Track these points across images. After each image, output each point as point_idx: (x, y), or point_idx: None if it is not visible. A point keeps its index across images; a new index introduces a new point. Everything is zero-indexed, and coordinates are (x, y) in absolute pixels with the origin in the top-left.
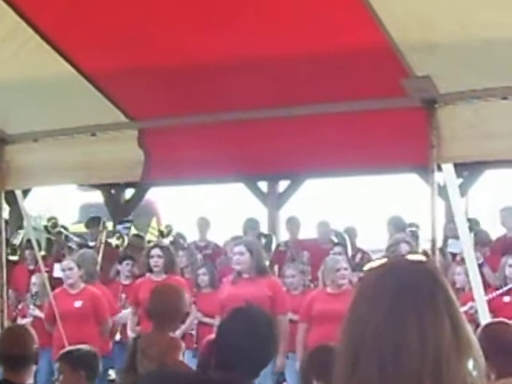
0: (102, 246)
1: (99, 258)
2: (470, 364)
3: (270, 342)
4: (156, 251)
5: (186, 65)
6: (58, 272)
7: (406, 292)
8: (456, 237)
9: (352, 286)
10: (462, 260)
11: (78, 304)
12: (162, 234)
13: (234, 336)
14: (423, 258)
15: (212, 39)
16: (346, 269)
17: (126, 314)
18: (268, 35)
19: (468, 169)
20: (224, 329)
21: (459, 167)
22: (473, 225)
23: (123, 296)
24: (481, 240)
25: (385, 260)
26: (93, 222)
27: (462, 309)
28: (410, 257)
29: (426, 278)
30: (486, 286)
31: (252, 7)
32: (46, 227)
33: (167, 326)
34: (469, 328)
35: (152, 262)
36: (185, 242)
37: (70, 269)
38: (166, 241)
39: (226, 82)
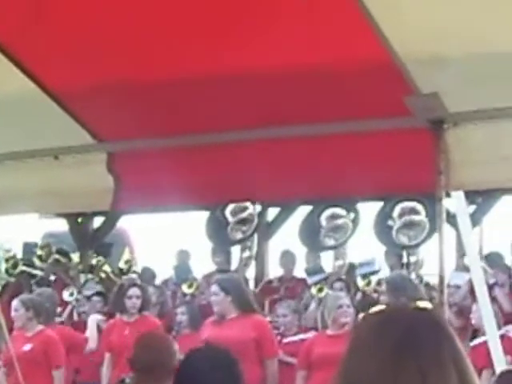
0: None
1: None
2: None
3: None
4: (135, 291)
5: (160, 81)
6: None
7: (408, 343)
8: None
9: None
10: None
11: (26, 347)
12: (121, 272)
13: (191, 380)
14: (428, 305)
15: (191, 51)
16: (348, 306)
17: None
18: (255, 48)
19: (482, 194)
20: (181, 373)
21: (472, 193)
22: (495, 259)
23: None
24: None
25: (385, 306)
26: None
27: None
28: (414, 304)
29: (431, 328)
30: (501, 314)
31: (239, 17)
32: (6, 270)
33: (148, 380)
34: (478, 382)
35: (129, 303)
36: (153, 279)
37: (16, 310)
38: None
39: (206, 100)
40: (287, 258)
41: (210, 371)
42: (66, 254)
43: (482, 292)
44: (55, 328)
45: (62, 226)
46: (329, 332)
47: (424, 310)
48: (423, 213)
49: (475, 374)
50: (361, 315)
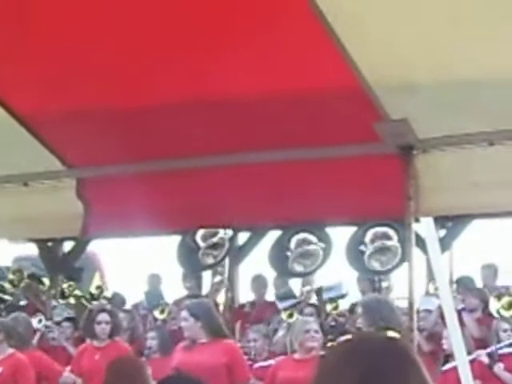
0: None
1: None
2: None
3: None
4: (104, 317)
5: (129, 108)
6: None
7: (375, 374)
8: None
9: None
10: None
11: None
12: (92, 297)
13: None
14: (395, 335)
15: (161, 78)
16: (316, 331)
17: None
18: (225, 75)
19: (452, 219)
20: None
21: (442, 217)
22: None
23: None
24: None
25: (352, 335)
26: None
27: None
28: (382, 333)
29: (398, 358)
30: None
31: (209, 43)
32: None
33: None
34: None
35: (99, 328)
36: (123, 305)
37: None
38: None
39: (176, 125)
40: (259, 282)
41: None
42: (38, 279)
43: (451, 317)
44: (29, 353)
45: (33, 249)
46: (296, 356)
47: (391, 339)
48: (395, 238)
49: None
50: (330, 343)
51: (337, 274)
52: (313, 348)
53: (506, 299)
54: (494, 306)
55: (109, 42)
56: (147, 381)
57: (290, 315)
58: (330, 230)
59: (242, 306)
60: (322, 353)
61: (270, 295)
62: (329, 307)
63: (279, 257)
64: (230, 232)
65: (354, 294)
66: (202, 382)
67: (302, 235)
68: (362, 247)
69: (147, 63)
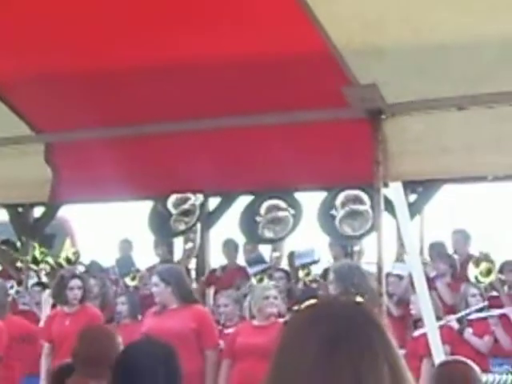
0: None
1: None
2: None
3: (169, 378)
4: (76, 282)
5: (99, 71)
6: None
7: (340, 337)
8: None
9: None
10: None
11: None
12: (68, 261)
13: (129, 374)
14: (358, 299)
15: (130, 41)
16: (275, 298)
17: None
18: (193, 39)
19: (423, 183)
20: (119, 366)
21: (413, 182)
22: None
23: None
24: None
25: (315, 301)
26: None
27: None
28: (344, 298)
29: (362, 321)
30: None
31: (175, 8)
32: None
33: (91, 373)
34: (409, 374)
35: (71, 294)
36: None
37: None
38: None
39: (146, 90)
40: (230, 246)
41: (149, 366)
42: (13, 245)
43: (420, 283)
44: (6, 320)
45: (3, 214)
46: (254, 322)
47: (355, 303)
48: (368, 202)
49: (407, 367)
50: (295, 307)
51: (309, 239)
52: (271, 314)
53: (484, 265)
54: (472, 272)
55: (76, 7)
56: (118, 349)
57: (260, 280)
58: (301, 196)
59: (214, 270)
60: (285, 318)
61: (241, 260)
62: (301, 273)
63: (249, 223)
64: (200, 197)
65: (326, 259)
66: (170, 347)
67: (272, 201)
68: (333, 211)
69: (115, 28)
